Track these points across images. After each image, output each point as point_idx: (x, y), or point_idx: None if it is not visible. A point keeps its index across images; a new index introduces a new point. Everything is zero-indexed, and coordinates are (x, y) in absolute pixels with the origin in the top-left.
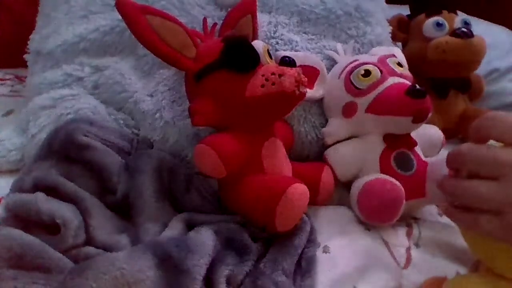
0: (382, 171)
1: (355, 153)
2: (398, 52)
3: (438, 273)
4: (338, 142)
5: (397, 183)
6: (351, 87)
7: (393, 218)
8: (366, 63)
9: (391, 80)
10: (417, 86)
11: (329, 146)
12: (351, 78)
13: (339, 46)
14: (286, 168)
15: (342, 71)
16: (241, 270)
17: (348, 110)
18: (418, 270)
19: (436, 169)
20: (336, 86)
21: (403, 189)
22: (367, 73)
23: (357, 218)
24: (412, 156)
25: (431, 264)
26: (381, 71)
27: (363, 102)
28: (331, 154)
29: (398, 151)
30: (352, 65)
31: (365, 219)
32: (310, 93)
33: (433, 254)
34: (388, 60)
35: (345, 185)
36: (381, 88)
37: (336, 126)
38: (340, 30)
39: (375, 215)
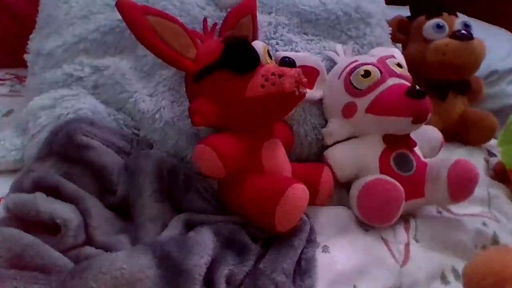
0: (382, 171)
1: (355, 154)
2: (397, 53)
3: (436, 267)
4: (337, 142)
5: (397, 183)
6: (351, 87)
7: (393, 219)
8: (366, 64)
9: (391, 81)
10: (417, 87)
11: (329, 146)
12: (351, 79)
13: (338, 47)
14: (286, 169)
15: (342, 71)
16: (241, 270)
17: (348, 111)
18: (417, 266)
19: (435, 170)
20: (336, 87)
21: (402, 189)
22: (367, 73)
23: (357, 218)
24: (412, 157)
25: (429, 259)
26: (380, 72)
27: (362, 102)
28: (331, 154)
29: (397, 151)
30: (352, 65)
31: (364, 220)
32: (310, 93)
33: (431, 249)
34: (387, 61)
35: (345, 186)
36: (381, 88)
37: (336, 127)
38: (340, 31)
39: (375, 215)
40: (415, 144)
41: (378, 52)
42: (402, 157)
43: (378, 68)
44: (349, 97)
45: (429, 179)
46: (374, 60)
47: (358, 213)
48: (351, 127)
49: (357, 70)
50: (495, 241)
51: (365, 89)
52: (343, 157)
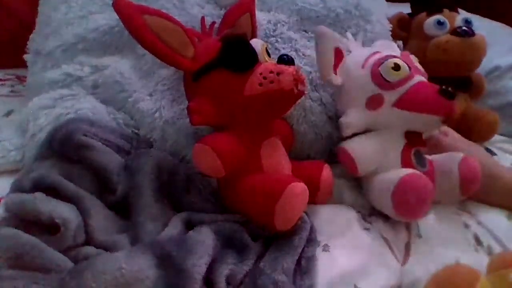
0: (404, 166)
1: (377, 147)
2: (396, 49)
3: (439, 262)
4: (353, 135)
5: (428, 178)
6: (380, 79)
7: (424, 214)
8: (394, 57)
9: (418, 78)
10: (449, 88)
11: (342, 138)
12: (381, 70)
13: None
14: (286, 167)
15: (366, 61)
16: (241, 270)
17: (374, 103)
18: (418, 264)
19: (445, 165)
20: (360, 77)
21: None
22: (397, 66)
23: (357, 216)
24: (424, 154)
25: (431, 254)
26: (409, 67)
27: (391, 95)
28: (351, 147)
29: (415, 148)
30: (377, 56)
31: (397, 214)
32: (334, 78)
33: (432, 244)
34: (411, 57)
35: (345, 184)
36: (409, 84)
37: (356, 118)
38: (340, 28)
39: (411, 211)
40: (426, 145)
41: (381, 44)
42: (419, 154)
43: (406, 63)
44: (376, 89)
45: (439, 175)
46: (397, 53)
47: (391, 207)
48: (371, 120)
49: (386, 61)
50: (494, 237)
51: (395, 83)
52: (366, 150)
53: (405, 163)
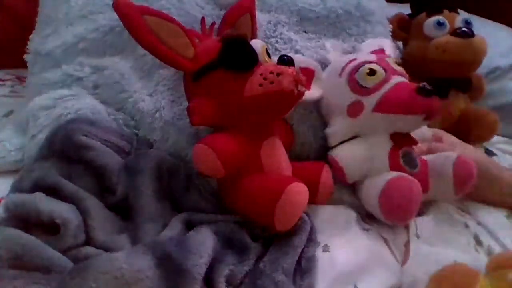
0: (392, 169)
1: (364, 153)
2: (387, 44)
3: (438, 262)
4: (341, 142)
5: (416, 180)
6: (357, 86)
7: (412, 216)
8: (369, 62)
9: (395, 79)
10: (426, 85)
11: (329, 147)
12: (357, 77)
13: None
14: (286, 168)
15: (343, 69)
16: (240, 270)
17: (354, 110)
18: (417, 264)
19: (439, 166)
20: (338, 85)
21: (420, 185)
22: (372, 71)
23: (357, 217)
24: (415, 154)
25: (430, 256)
26: (385, 70)
27: (370, 101)
28: (339, 156)
29: (403, 149)
30: (354, 63)
31: (385, 218)
32: (309, 94)
33: (432, 244)
34: (387, 59)
35: (345, 185)
36: (386, 87)
37: (340, 126)
38: (340, 29)
39: (398, 213)
40: (417, 142)
41: (369, 43)
42: (408, 155)
43: (382, 66)
44: (355, 96)
45: (433, 175)
46: (373, 58)
47: (379, 211)
48: (355, 126)
49: (361, 68)
50: (494, 237)
51: (371, 88)
52: (354, 157)
53: (393, 166)
